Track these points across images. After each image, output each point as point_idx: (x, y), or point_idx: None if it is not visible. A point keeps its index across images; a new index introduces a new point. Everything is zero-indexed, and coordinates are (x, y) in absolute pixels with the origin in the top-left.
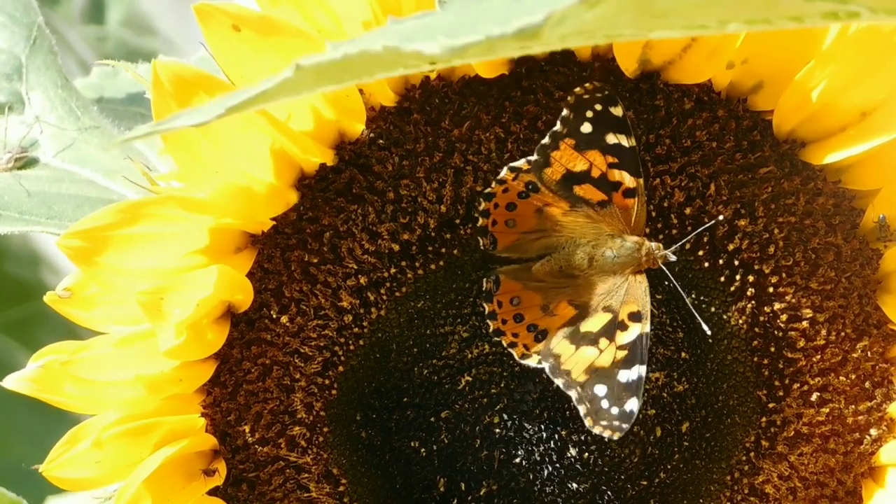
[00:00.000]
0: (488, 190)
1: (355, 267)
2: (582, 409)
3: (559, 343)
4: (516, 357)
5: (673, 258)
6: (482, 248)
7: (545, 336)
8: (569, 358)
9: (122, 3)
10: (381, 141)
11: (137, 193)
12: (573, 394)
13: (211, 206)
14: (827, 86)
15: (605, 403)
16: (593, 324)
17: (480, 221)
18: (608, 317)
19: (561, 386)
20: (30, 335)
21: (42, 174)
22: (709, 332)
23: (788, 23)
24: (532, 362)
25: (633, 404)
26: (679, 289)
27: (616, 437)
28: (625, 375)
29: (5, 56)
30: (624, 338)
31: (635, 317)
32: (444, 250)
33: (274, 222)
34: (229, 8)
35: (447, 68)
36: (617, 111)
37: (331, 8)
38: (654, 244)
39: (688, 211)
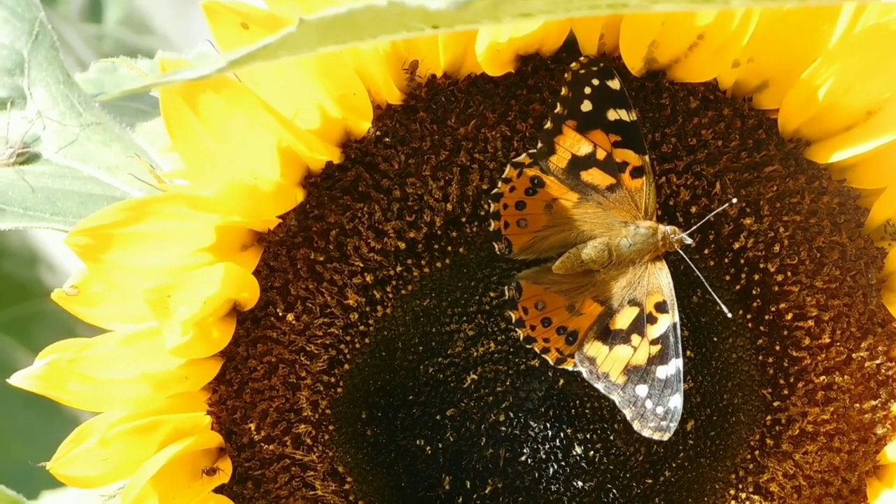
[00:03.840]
0: (495, 190)
1: (361, 265)
2: (628, 414)
3: (592, 345)
4: (551, 363)
5: (689, 241)
6: (498, 252)
7: (576, 338)
8: (604, 360)
9: (120, 2)
10: (387, 139)
11: (141, 191)
12: (616, 397)
13: (217, 204)
14: (832, 84)
15: (649, 404)
16: (622, 320)
17: (493, 225)
18: (635, 311)
19: (602, 390)
20: (28, 334)
21: (45, 170)
22: (730, 315)
23: (791, 0)
24: (568, 367)
25: (676, 401)
26: (695, 269)
27: (665, 437)
28: (663, 371)
29: (7, 51)
30: (655, 331)
31: (662, 307)
32: (450, 248)
33: (280, 220)
34: (237, 6)
35: (453, 66)
36: (614, 84)
37: (337, 3)
38: (668, 228)
39: (693, 209)
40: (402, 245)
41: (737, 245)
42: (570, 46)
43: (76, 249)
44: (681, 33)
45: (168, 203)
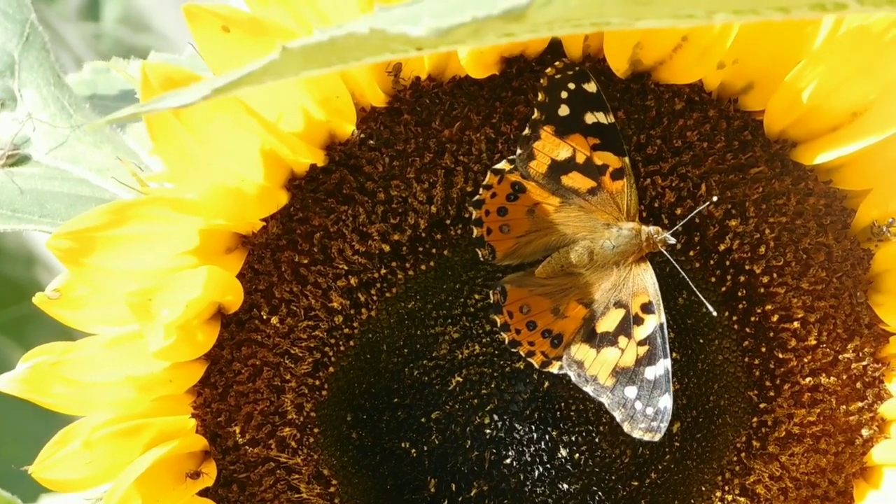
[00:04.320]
0: (476, 198)
1: (345, 268)
2: (618, 415)
3: (579, 349)
4: (536, 366)
5: (672, 241)
6: (481, 258)
7: (561, 341)
8: (592, 362)
9: (117, 1)
10: (371, 142)
11: (130, 193)
12: (605, 400)
13: (201, 207)
14: (817, 86)
15: (638, 405)
16: (608, 322)
17: (475, 232)
18: (621, 312)
19: (591, 393)
20: (25, 335)
21: (34, 172)
22: (715, 314)
23: (776, 14)
24: (553, 370)
25: (665, 401)
26: (680, 269)
27: (656, 438)
28: (651, 372)
29: None
30: (641, 332)
31: (648, 308)
32: (434, 251)
33: (264, 223)
34: (218, 9)
35: (438, 69)
36: (590, 87)
37: (320, 8)
38: (651, 228)
39: (678, 211)
40: (387, 248)
41: (722, 247)
42: (555, 48)
43: (58, 253)
44: (665, 35)
45: (151, 206)
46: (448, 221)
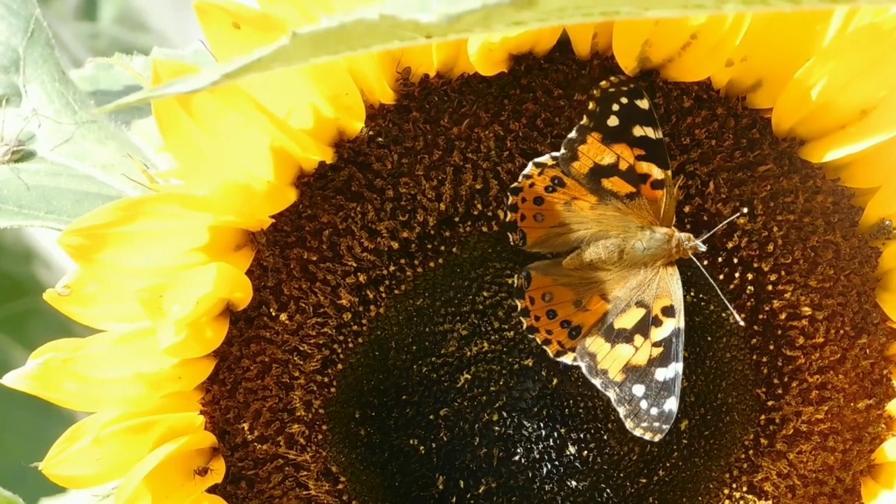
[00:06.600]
0: (515, 184)
1: (354, 265)
2: (622, 411)
3: (594, 341)
4: (550, 354)
5: (703, 248)
6: (512, 243)
7: (579, 332)
8: (605, 357)
9: (114, 0)
10: (380, 139)
11: (136, 190)
12: (612, 394)
13: (211, 203)
14: (826, 84)
15: (644, 404)
16: (627, 320)
17: (509, 216)
18: (642, 312)
19: (599, 386)
20: (23, 331)
21: (40, 168)
22: (742, 324)
23: (785, 4)
24: (567, 360)
25: (671, 404)
26: (708, 276)
27: (657, 438)
28: (662, 374)
29: (3, 48)
30: (658, 334)
31: (669, 311)
32: (443, 248)
33: (273, 220)
34: (229, 5)
35: (446, 66)
36: (643, 104)
37: (330, 5)
38: (683, 235)
39: (686, 209)
40: (396, 245)
41: (730, 244)
42: (564, 45)
43: (69, 250)
44: (674, 33)
45: (161, 203)
46: (457, 219)
